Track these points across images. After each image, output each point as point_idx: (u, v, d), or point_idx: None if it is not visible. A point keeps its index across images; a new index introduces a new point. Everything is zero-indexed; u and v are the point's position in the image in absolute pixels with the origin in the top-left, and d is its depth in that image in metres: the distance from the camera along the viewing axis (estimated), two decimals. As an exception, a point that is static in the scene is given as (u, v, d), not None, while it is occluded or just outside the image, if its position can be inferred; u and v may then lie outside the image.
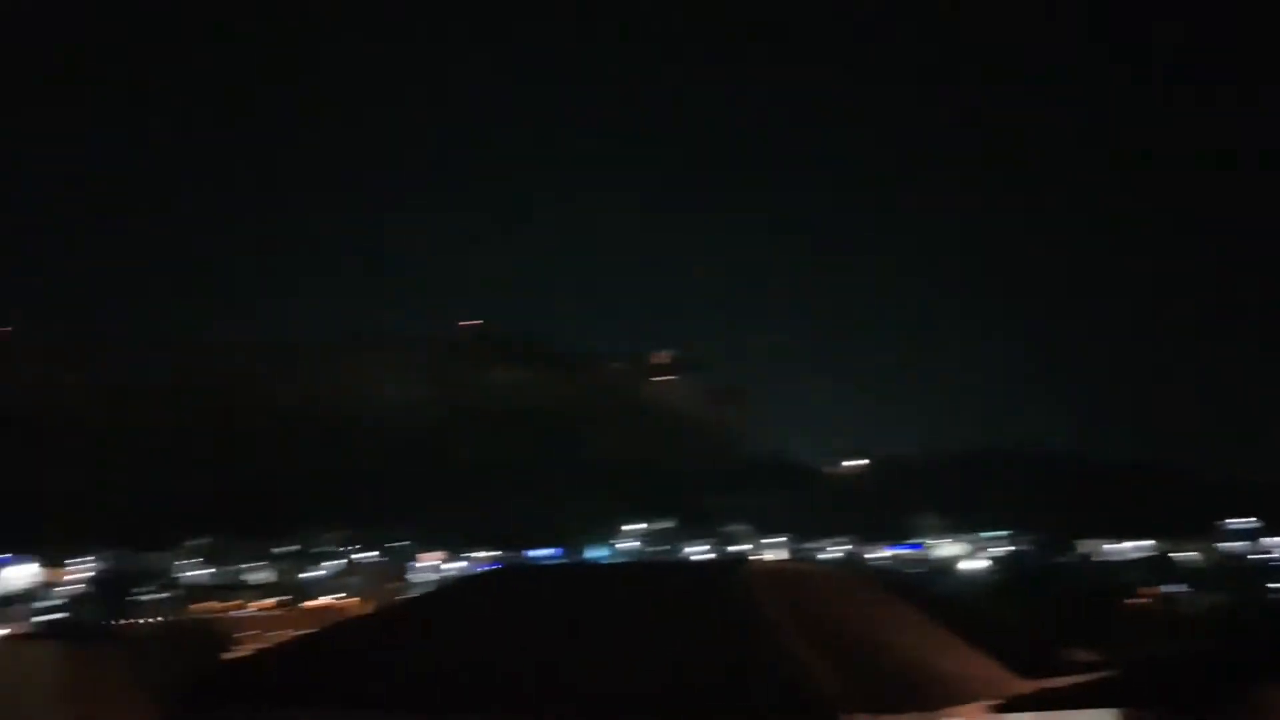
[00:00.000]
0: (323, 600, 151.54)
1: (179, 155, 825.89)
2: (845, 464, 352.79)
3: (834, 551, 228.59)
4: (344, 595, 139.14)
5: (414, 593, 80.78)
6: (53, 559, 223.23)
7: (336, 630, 28.33)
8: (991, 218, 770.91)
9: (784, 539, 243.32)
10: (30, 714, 21.60)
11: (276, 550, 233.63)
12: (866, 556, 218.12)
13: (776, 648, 18.88)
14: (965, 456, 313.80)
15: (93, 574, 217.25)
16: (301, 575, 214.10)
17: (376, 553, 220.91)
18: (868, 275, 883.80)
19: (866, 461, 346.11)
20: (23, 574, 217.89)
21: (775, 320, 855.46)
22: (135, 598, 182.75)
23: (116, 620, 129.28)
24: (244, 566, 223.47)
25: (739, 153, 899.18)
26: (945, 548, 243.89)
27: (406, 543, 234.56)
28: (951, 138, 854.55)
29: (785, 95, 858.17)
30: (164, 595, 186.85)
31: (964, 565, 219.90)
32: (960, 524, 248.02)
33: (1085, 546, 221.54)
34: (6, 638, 51.42)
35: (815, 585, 26.72)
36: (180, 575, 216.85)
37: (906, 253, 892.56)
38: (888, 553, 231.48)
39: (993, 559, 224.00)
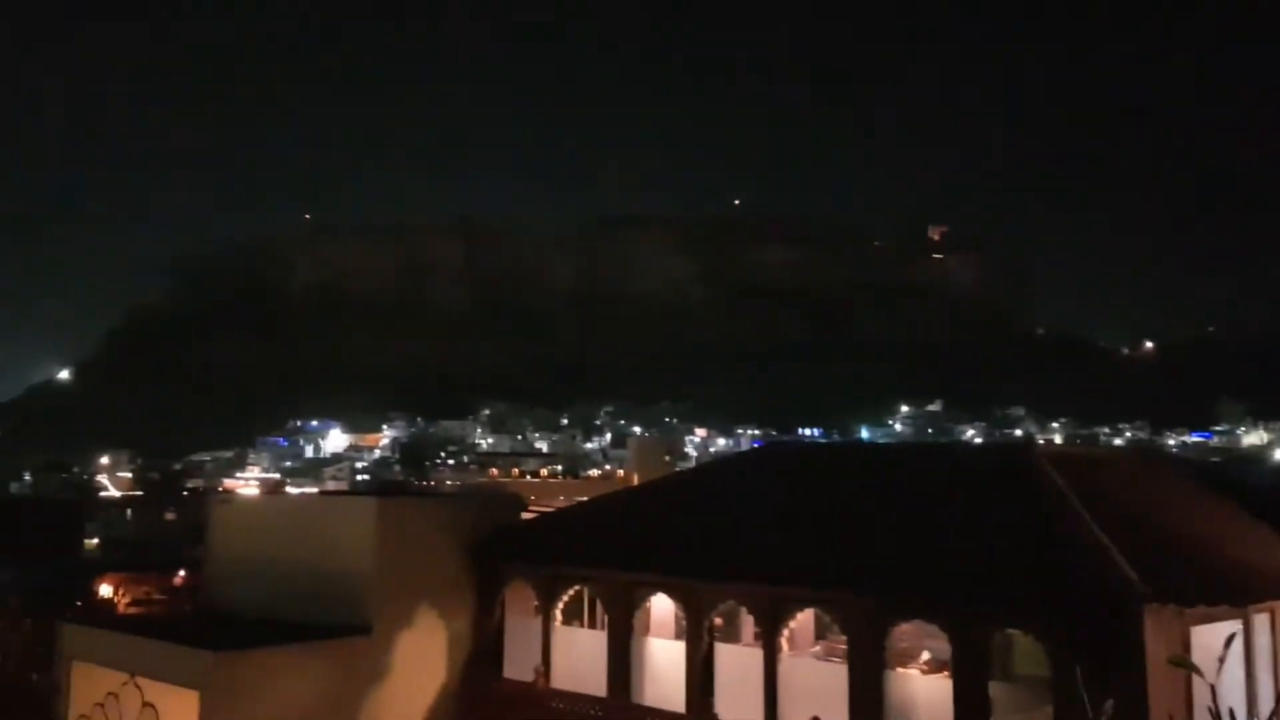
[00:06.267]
0: (598, 471, 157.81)
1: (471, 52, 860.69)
2: (1139, 344, 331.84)
3: (1124, 438, 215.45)
4: (619, 467, 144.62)
5: (684, 467, 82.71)
6: (360, 425, 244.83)
7: (608, 500, 29.48)
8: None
9: (1066, 423, 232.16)
10: (349, 561, 23.78)
11: (561, 422, 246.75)
12: (1161, 444, 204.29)
13: (1074, 536, 17.85)
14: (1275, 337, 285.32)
15: (396, 439, 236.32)
16: (583, 446, 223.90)
17: (650, 429, 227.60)
18: (1176, 143, 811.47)
19: (1162, 342, 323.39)
20: (333, 439, 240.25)
21: (1069, 191, 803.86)
22: (435, 462, 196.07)
23: (419, 482, 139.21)
24: (533, 436, 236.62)
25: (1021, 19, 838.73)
26: (1251, 435, 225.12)
27: (675, 420, 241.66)
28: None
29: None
30: (461, 461, 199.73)
31: (1276, 454, 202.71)
32: (1270, 410, 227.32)
33: None
34: (327, 493, 56.59)
35: (1113, 472, 25.05)
36: (475, 442, 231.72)
37: (1218, 121, 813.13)
38: (1187, 439, 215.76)
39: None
